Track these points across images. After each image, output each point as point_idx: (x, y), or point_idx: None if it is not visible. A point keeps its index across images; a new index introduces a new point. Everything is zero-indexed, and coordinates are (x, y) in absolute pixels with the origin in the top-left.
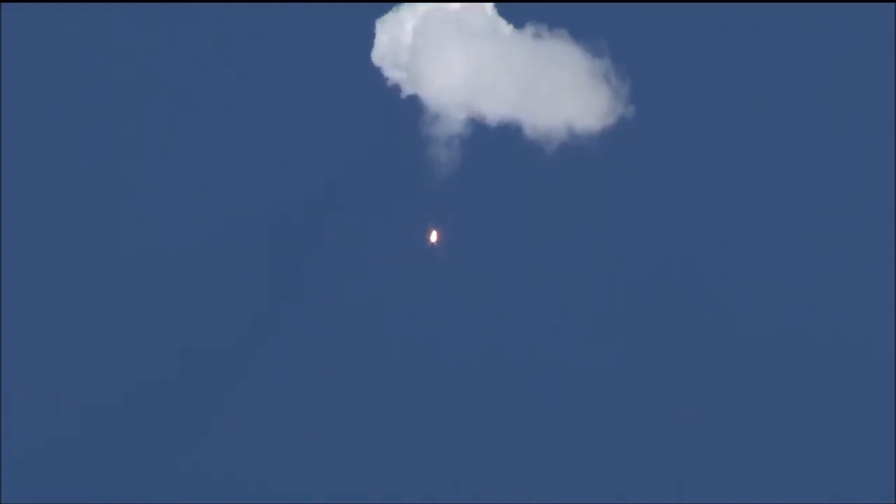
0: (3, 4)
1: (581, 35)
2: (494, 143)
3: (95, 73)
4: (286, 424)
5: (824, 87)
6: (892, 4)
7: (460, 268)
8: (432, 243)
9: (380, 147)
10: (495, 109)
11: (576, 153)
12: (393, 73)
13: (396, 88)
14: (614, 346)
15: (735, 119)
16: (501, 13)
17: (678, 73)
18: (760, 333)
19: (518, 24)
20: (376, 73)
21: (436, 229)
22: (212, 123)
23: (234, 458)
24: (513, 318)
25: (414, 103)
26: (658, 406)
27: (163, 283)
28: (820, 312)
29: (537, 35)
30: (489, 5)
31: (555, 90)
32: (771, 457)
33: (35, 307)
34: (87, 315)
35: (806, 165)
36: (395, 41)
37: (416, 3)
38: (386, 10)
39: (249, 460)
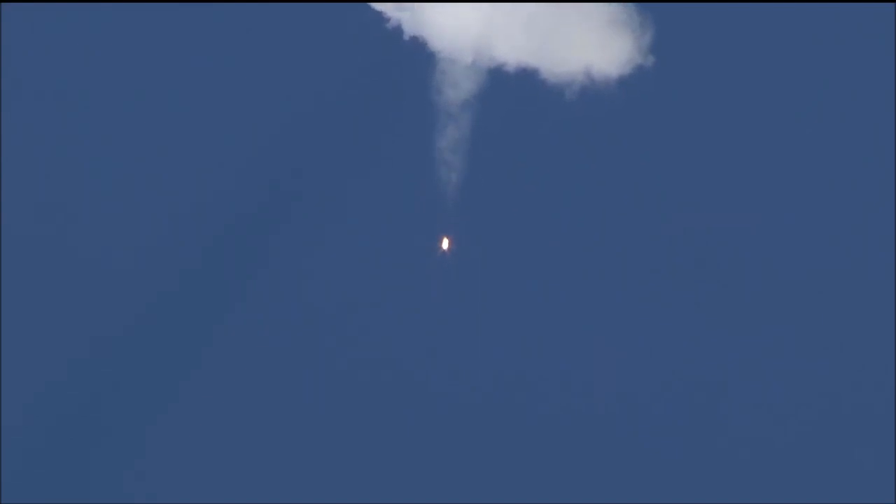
0: (3, 4)
1: None
2: (505, 89)
3: (95, 72)
4: (276, 428)
5: (824, 87)
6: (892, 4)
7: (471, 233)
8: (444, 251)
9: (380, 93)
10: (506, 53)
11: (590, 103)
12: (394, 14)
13: (398, 31)
14: (621, 308)
15: (746, 92)
16: None
17: (702, 24)
18: (764, 322)
19: None
20: (374, 14)
21: (447, 237)
22: (209, 106)
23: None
24: (532, 281)
25: (417, 46)
26: (657, 404)
27: (144, 276)
28: (824, 300)
29: None
30: None
31: (570, 35)
32: (770, 456)
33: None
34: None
35: (805, 166)
36: None
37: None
38: None
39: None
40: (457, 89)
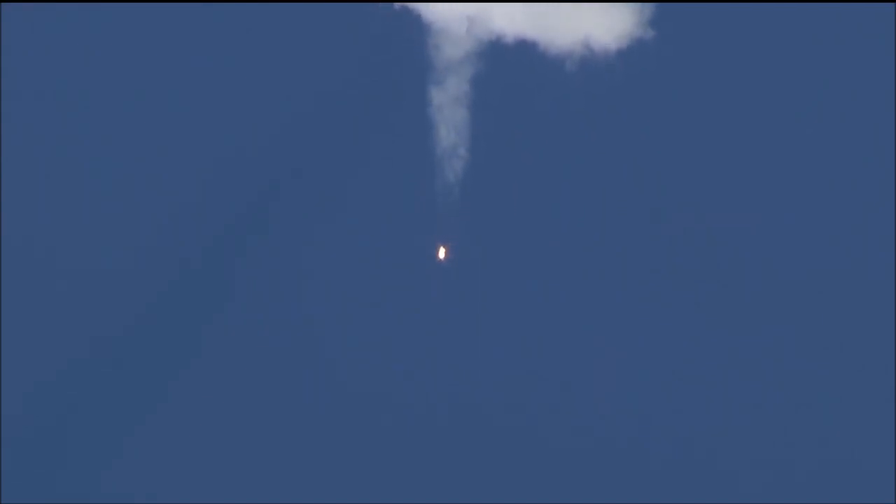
0: (3, 4)
1: None
2: (500, 61)
3: (95, 72)
4: (270, 429)
5: (824, 88)
6: (892, 4)
7: (473, 208)
8: (441, 259)
9: (372, 69)
10: (502, 25)
11: (590, 76)
12: None
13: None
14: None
15: (744, 88)
16: None
17: (702, 6)
18: (764, 322)
19: None
20: None
21: (444, 246)
22: (208, 105)
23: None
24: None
25: (410, 17)
26: (658, 403)
27: (138, 266)
28: (824, 300)
29: None
30: None
31: (569, 6)
32: (771, 456)
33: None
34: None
35: (805, 165)
36: None
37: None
38: None
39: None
40: (452, 60)
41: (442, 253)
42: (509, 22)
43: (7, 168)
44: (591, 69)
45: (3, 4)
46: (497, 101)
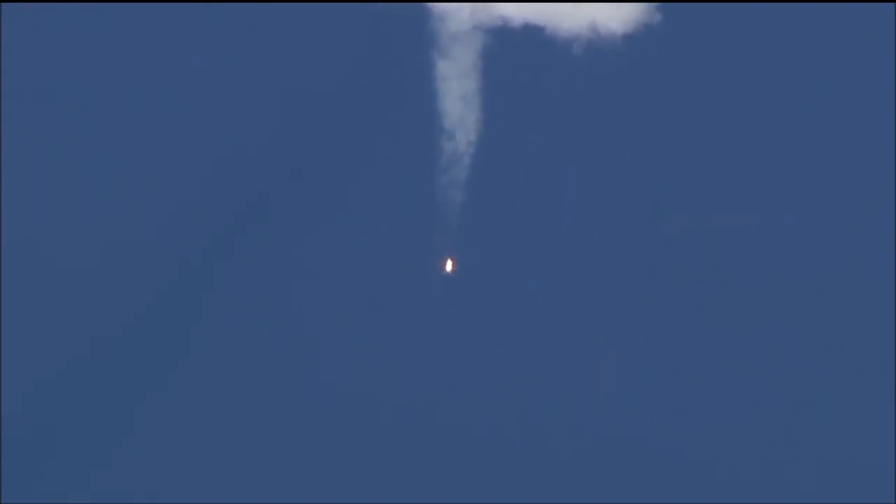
0: (3, 4)
1: None
2: (506, 47)
3: (95, 72)
4: (266, 432)
5: (824, 88)
6: (892, 4)
7: (477, 195)
8: (447, 272)
9: (376, 56)
10: (506, 9)
11: (596, 60)
12: None
13: None
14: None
15: (744, 94)
16: None
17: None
18: (764, 322)
19: None
20: None
21: (451, 258)
22: (208, 105)
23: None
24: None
25: (413, 9)
26: (658, 400)
27: (139, 268)
28: (824, 300)
29: None
30: None
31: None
32: (771, 456)
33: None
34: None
35: (803, 171)
36: None
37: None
38: None
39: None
40: (459, 40)
41: (448, 265)
42: (516, 8)
43: (7, 168)
44: (597, 53)
45: (3, 4)
46: (501, 87)
